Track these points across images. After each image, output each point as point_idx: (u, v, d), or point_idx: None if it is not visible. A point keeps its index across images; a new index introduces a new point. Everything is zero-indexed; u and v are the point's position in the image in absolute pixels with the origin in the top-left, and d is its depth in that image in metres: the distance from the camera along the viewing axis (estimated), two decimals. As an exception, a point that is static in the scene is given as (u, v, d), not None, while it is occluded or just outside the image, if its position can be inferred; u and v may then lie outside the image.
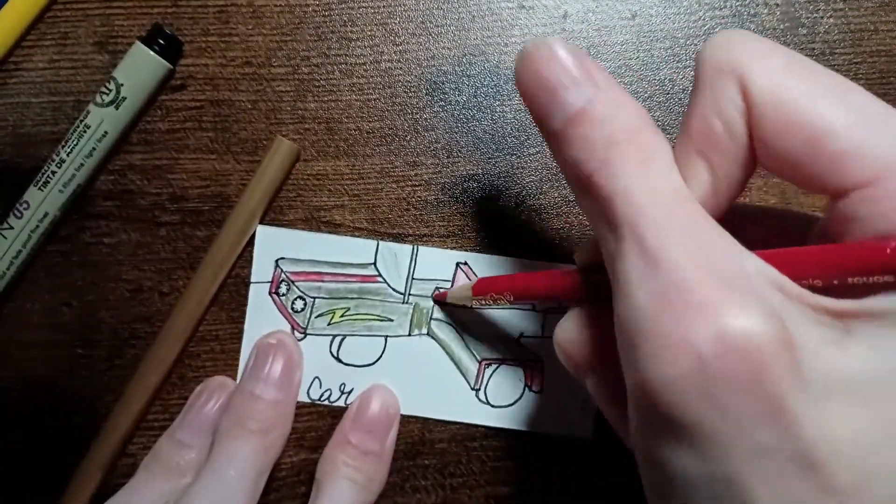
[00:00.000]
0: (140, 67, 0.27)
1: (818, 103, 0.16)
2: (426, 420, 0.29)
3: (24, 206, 0.27)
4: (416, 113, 0.29)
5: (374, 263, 0.29)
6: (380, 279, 0.29)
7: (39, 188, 0.27)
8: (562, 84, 0.17)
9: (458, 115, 0.29)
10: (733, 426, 0.14)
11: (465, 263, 0.29)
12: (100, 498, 0.28)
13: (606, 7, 0.29)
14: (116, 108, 0.27)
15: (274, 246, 0.28)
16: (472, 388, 0.29)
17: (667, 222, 0.16)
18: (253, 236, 0.29)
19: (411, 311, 0.29)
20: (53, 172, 0.27)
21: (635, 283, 0.16)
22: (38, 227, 0.27)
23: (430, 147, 0.29)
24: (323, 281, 0.29)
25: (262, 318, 0.29)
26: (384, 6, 0.28)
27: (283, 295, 0.29)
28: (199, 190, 0.29)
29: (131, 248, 0.29)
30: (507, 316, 0.29)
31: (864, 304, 0.15)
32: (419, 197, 0.29)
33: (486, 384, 0.29)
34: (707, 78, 0.17)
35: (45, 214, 0.27)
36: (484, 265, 0.29)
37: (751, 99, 0.16)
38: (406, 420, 0.29)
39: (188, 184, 0.29)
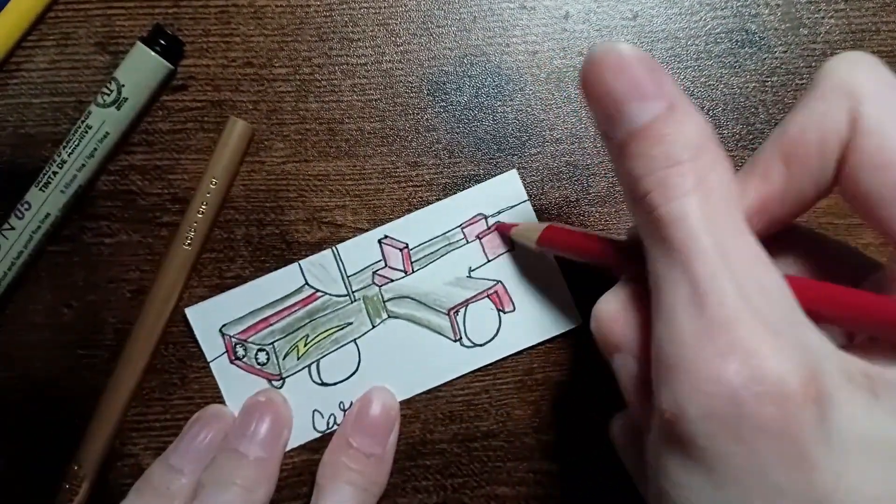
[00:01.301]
0: (141, 68, 0.27)
1: None
2: (427, 421, 0.29)
3: (26, 206, 0.27)
4: (418, 113, 0.29)
5: (307, 283, 0.29)
6: (320, 294, 0.29)
7: (41, 189, 0.27)
8: (629, 96, 0.17)
9: (460, 115, 0.29)
10: (756, 464, 0.15)
11: (386, 237, 0.29)
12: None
13: (608, 7, 0.29)
14: (118, 108, 0.27)
15: (210, 319, 0.29)
16: (454, 340, 0.29)
17: (719, 255, 0.16)
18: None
19: (363, 305, 0.29)
20: (55, 173, 0.27)
21: (681, 312, 0.16)
22: (39, 227, 0.27)
23: (431, 147, 0.29)
24: (271, 324, 0.29)
25: (236, 387, 0.29)
26: (385, 7, 0.28)
27: (244, 357, 0.29)
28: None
29: (132, 248, 0.29)
30: (449, 261, 0.29)
31: (891, 374, 0.15)
32: (421, 197, 0.29)
33: (464, 329, 0.29)
34: (822, 90, 0.17)
35: (47, 215, 0.27)
36: (404, 230, 0.29)
37: (859, 126, 0.16)
38: (407, 420, 0.29)
39: (189, 184, 0.29)
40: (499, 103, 0.29)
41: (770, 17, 0.29)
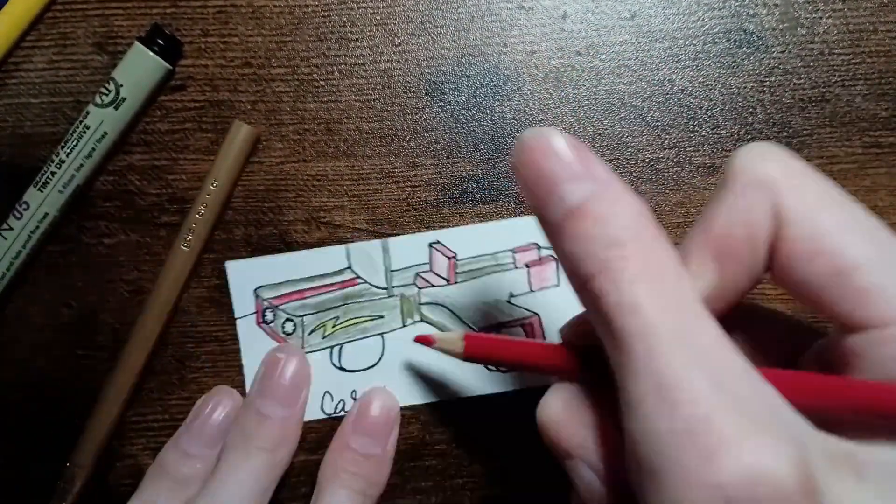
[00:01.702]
0: (139, 68, 0.27)
1: (848, 235, 0.16)
2: (427, 421, 0.29)
3: (24, 206, 0.27)
4: (416, 113, 0.29)
5: (350, 267, 0.29)
6: (360, 281, 0.29)
7: (39, 189, 0.27)
8: (559, 177, 0.17)
9: (458, 115, 0.29)
10: None
11: (438, 242, 0.29)
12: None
13: (605, 7, 0.29)
14: (116, 108, 0.27)
15: (248, 277, 0.29)
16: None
17: (682, 345, 0.15)
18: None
19: (399, 302, 0.29)
20: (53, 173, 0.27)
21: (651, 411, 0.15)
22: (37, 227, 0.27)
23: (429, 148, 0.29)
24: (305, 298, 0.29)
25: (256, 350, 0.29)
26: (383, 7, 0.28)
27: (271, 322, 0.29)
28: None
29: (131, 248, 0.29)
30: (492, 281, 0.29)
31: (871, 452, 0.15)
32: (419, 197, 0.29)
33: None
34: (740, 187, 0.17)
35: (45, 215, 0.27)
36: (456, 240, 0.29)
37: (784, 220, 0.16)
38: (407, 421, 0.29)
39: (188, 184, 0.29)
40: (497, 103, 0.29)
41: (768, 17, 0.29)
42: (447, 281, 0.29)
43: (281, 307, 0.28)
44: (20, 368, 0.29)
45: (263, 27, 0.28)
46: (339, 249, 0.28)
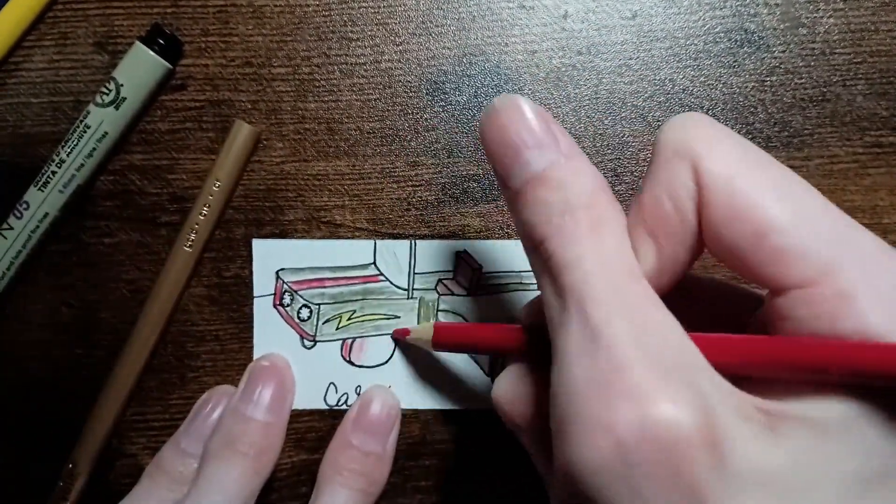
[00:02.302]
0: (140, 67, 0.27)
1: (766, 196, 0.16)
2: (427, 420, 0.29)
3: (24, 206, 0.27)
4: (417, 113, 0.29)
5: (374, 263, 0.29)
6: (382, 278, 0.29)
7: (39, 188, 0.27)
8: (525, 144, 0.18)
9: (459, 115, 0.29)
10: None
11: (465, 252, 0.29)
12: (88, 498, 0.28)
13: (606, 7, 0.29)
14: (116, 108, 0.27)
15: (272, 258, 0.28)
16: (488, 375, 0.29)
17: (612, 298, 0.16)
18: (248, 245, 0.29)
19: (417, 305, 0.29)
20: (53, 173, 0.27)
21: (573, 358, 0.15)
22: (38, 227, 0.27)
23: (430, 147, 0.29)
24: (325, 287, 0.29)
25: (269, 331, 0.29)
26: (384, 6, 0.28)
27: (288, 305, 0.29)
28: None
29: (131, 248, 0.29)
30: (513, 299, 0.29)
31: (790, 408, 0.15)
32: (420, 197, 0.29)
33: (500, 369, 0.29)
34: (662, 158, 0.17)
35: (45, 215, 0.27)
36: (484, 252, 0.29)
37: (703, 183, 0.16)
38: (407, 420, 0.29)
39: (188, 184, 0.29)
40: (498, 103, 0.29)
41: (769, 16, 0.29)
42: (468, 292, 0.29)
43: (300, 292, 0.29)
44: (20, 368, 0.29)
45: (264, 27, 0.28)
46: (367, 244, 0.29)
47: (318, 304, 0.29)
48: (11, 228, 0.27)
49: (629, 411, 0.14)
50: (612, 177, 0.29)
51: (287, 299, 0.29)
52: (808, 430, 0.15)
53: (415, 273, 0.29)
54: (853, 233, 0.16)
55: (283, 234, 0.29)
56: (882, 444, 0.15)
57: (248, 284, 0.29)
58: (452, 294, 0.29)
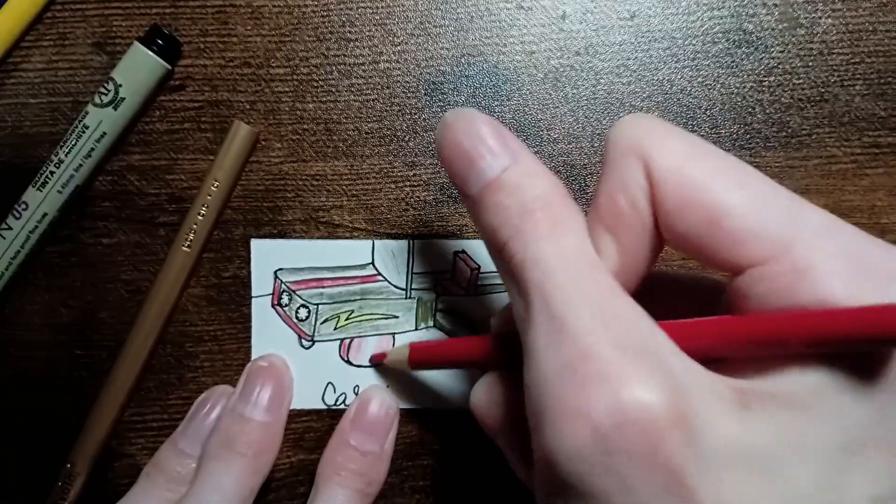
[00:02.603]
0: (138, 68, 0.27)
1: (716, 183, 0.16)
2: (425, 420, 0.29)
3: (23, 206, 0.27)
4: (415, 113, 0.29)
5: (373, 263, 0.29)
6: (380, 278, 0.29)
7: (38, 189, 0.27)
8: (479, 153, 0.18)
9: (457, 115, 0.29)
10: (632, 498, 0.14)
11: (463, 252, 0.29)
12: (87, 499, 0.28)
13: (605, 7, 0.29)
14: (115, 108, 0.27)
15: (270, 258, 0.29)
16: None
17: (575, 289, 0.16)
18: (246, 245, 0.29)
19: (415, 305, 0.29)
20: (52, 173, 0.27)
21: (542, 351, 0.16)
22: (36, 227, 0.27)
23: (428, 147, 0.29)
24: (324, 287, 0.29)
25: (267, 331, 0.29)
26: (382, 7, 0.28)
27: (286, 305, 0.29)
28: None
29: (130, 248, 0.29)
30: (507, 296, 0.29)
31: (763, 385, 0.15)
32: (418, 197, 0.29)
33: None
34: (614, 158, 0.18)
35: (44, 215, 0.27)
36: (481, 252, 0.29)
37: (653, 178, 0.17)
38: (405, 420, 0.29)
39: (187, 184, 0.29)
40: (496, 103, 0.29)
41: (767, 17, 0.29)
42: (466, 291, 0.29)
43: (298, 292, 0.29)
44: (20, 368, 0.29)
45: (262, 27, 0.28)
46: (365, 244, 0.29)
47: (317, 304, 0.29)
48: (10, 229, 0.27)
49: (603, 396, 0.14)
50: (610, 177, 0.29)
51: (285, 299, 0.29)
52: (782, 404, 0.15)
53: (413, 273, 0.29)
54: (804, 210, 0.16)
55: (281, 235, 0.29)
56: (857, 410, 0.15)
57: (247, 285, 0.29)
58: (450, 294, 0.29)
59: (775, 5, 0.29)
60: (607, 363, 0.15)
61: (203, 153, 0.29)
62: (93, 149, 0.27)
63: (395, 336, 0.29)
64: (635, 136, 0.17)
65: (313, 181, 0.29)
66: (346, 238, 0.29)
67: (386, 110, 0.29)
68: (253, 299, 0.29)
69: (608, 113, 0.29)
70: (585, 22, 0.29)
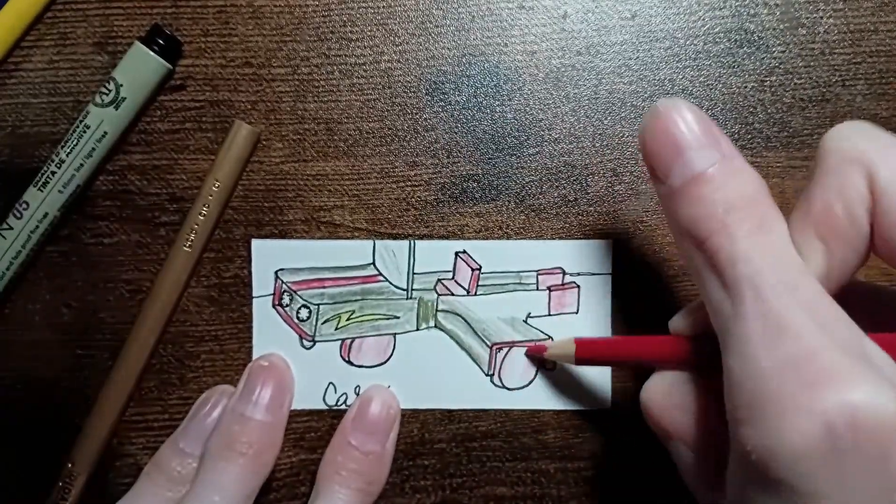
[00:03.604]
0: (139, 68, 0.27)
1: None
2: (426, 420, 0.29)
3: (24, 206, 0.27)
4: (416, 113, 0.29)
5: (374, 263, 0.29)
6: (381, 278, 0.29)
7: (39, 188, 0.27)
8: (687, 144, 0.19)
9: (458, 115, 0.29)
10: (850, 499, 0.14)
11: (464, 252, 0.29)
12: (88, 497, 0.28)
13: (606, 7, 0.29)
14: (116, 108, 0.27)
15: (271, 258, 0.29)
16: (487, 374, 0.29)
17: (788, 290, 0.16)
18: (247, 245, 0.29)
19: (416, 305, 0.29)
20: (53, 173, 0.27)
21: (757, 346, 0.16)
22: (37, 227, 0.27)
23: (429, 147, 0.29)
24: (325, 287, 0.29)
25: (268, 332, 0.29)
26: (384, 7, 0.28)
27: (287, 306, 0.29)
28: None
29: (131, 248, 0.29)
30: (512, 299, 0.29)
31: None
32: (419, 197, 0.29)
33: (500, 368, 0.29)
34: (832, 165, 0.18)
35: (45, 215, 0.27)
36: (482, 252, 0.29)
37: (878, 190, 0.17)
38: (406, 420, 0.29)
39: (188, 184, 0.29)
40: (497, 103, 0.29)
41: (768, 16, 0.29)
42: (467, 292, 0.29)
43: (299, 292, 0.29)
44: (20, 368, 0.29)
45: (263, 27, 0.28)
46: (366, 244, 0.29)
47: (318, 305, 0.29)
48: (11, 228, 0.27)
49: (834, 395, 0.14)
50: (611, 176, 0.29)
51: (286, 299, 0.29)
52: None
53: (414, 273, 0.29)
54: None
55: (282, 235, 0.29)
56: None
57: (248, 284, 0.29)
58: (451, 294, 0.29)
59: (777, 5, 0.29)
60: (835, 364, 0.15)
61: (204, 153, 0.29)
62: (94, 148, 0.27)
63: (396, 336, 0.29)
64: (858, 145, 0.17)
65: (314, 181, 0.29)
66: (348, 238, 0.29)
67: (387, 110, 0.29)
68: (254, 299, 0.29)
69: (609, 113, 0.29)
70: (587, 22, 0.29)
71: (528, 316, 0.29)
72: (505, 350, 0.29)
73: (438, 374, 0.29)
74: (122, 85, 0.27)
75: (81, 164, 0.27)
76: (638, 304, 0.29)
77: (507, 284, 0.29)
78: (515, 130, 0.29)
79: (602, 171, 0.29)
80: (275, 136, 0.29)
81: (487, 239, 0.29)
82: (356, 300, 0.29)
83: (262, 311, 0.29)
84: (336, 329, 0.29)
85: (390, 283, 0.29)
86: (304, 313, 0.29)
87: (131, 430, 0.29)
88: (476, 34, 0.29)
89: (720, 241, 0.17)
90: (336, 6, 0.28)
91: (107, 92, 0.27)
